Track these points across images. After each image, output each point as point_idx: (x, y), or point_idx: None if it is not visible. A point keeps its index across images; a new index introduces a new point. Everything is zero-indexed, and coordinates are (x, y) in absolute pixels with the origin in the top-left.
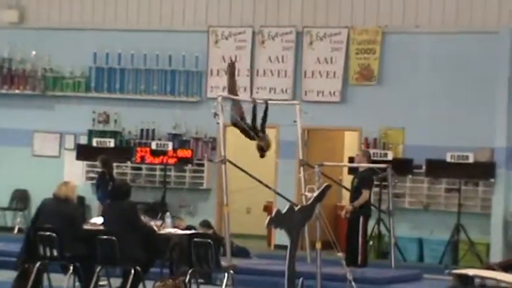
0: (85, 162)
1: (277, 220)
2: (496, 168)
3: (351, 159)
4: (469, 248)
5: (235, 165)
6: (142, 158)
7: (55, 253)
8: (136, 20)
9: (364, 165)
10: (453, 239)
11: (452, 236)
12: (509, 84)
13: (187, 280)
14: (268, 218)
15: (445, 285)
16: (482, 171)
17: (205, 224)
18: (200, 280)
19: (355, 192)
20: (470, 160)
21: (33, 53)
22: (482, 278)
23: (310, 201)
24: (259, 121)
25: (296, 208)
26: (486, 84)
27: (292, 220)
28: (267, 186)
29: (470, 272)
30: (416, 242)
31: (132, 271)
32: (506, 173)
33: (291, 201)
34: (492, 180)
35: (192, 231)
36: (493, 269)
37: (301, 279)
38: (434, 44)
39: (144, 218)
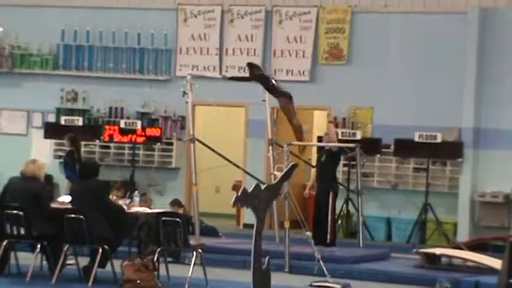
0: (53, 141)
1: (244, 198)
2: (464, 148)
3: (320, 139)
4: (437, 227)
5: (204, 144)
6: (111, 137)
7: (22, 232)
8: None
9: (332, 144)
10: (421, 218)
11: (420, 215)
12: (477, 64)
13: (155, 259)
14: (235, 196)
15: (412, 264)
16: (450, 151)
17: (176, 202)
18: (169, 259)
19: (321, 168)
20: (438, 140)
21: (0, 29)
22: (449, 257)
23: (276, 180)
24: None
25: (263, 187)
26: (454, 64)
27: (258, 198)
28: (236, 165)
29: (438, 251)
30: (384, 221)
31: (100, 250)
32: (473, 152)
33: (260, 180)
34: (460, 160)
35: (161, 210)
36: (460, 248)
37: (267, 258)
38: (403, 23)
39: (112, 197)
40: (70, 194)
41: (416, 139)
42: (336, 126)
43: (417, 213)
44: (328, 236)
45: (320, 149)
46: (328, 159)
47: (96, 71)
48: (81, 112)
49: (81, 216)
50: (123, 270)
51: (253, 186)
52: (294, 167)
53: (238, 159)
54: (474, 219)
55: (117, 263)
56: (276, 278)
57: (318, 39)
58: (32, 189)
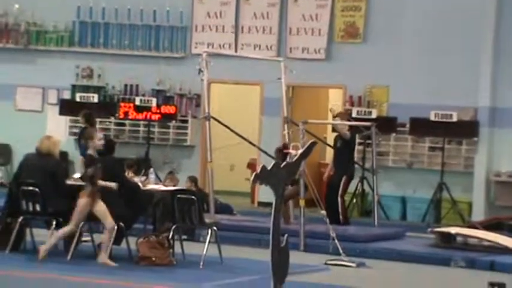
0: (68, 118)
1: (263, 176)
2: (479, 127)
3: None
4: (452, 206)
5: (219, 121)
6: (126, 114)
7: (38, 208)
8: None
9: (347, 123)
10: (436, 198)
11: (435, 194)
12: (493, 43)
13: (170, 236)
14: (254, 174)
15: (427, 243)
16: (465, 130)
17: (193, 179)
18: (183, 236)
19: (339, 153)
20: (454, 119)
21: (16, 6)
22: (465, 236)
23: (295, 158)
24: None
25: (281, 165)
26: (471, 42)
27: (277, 176)
28: (251, 143)
29: (453, 230)
30: (399, 200)
31: (115, 227)
32: (489, 132)
33: (275, 158)
34: (475, 139)
35: (176, 188)
36: (475, 228)
37: (285, 235)
38: (419, 1)
39: (128, 174)
40: None
41: (432, 118)
42: (352, 104)
43: (432, 193)
44: (341, 217)
45: (335, 131)
46: (344, 145)
47: (111, 48)
48: (97, 89)
49: None
50: (138, 248)
51: (272, 164)
52: (313, 144)
53: (253, 137)
54: (489, 199)
55: (132, 240)
56: (291, 257)
57: (334, 17)
58: (47, 165)
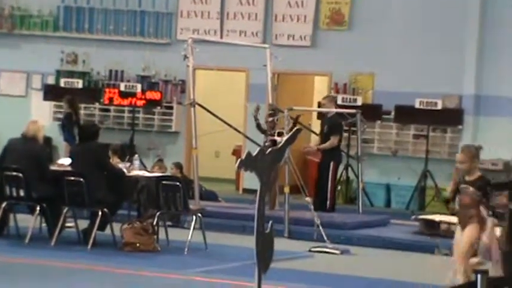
0: (52, 103)
1: (247, 162)
2: (464, 115)
3: (319, 105)
4: (436, 194)
5: (204, 108)
6: (111, 100)
7: (22, 193)
8: None
9: (333, 110)
10: (420, 185)
11: (420, 181)
12: (479, 32)
13: (155, 223)
14: (239, 160)
15: (411, 230)
16: (450, 118)
17: (179, 166)
18: (168, 223)
19: (325, 139)
20: (439, 107)
21: None
22: (448, 223)
23: (280, 145)
24: None
25: (267, 151)
26: (456, 31)
27: (262, 163)
28: (236, 130)
29: (437, 217)
30: (384, 187)
31: (100, 213)
32: (473, 119)
33: (260, 145)
34: (460, 127)
35: (161, 174)
36: None
37: (270, 222)
38: None
39: (112, 160)
40: (70, 157)
41: (417, 106)
42: (337, 91)
43: (417, 180)
44: (328, 202)
45: (322, 117)
46: (330, 130)
47: (96, 33)
48: (81, 74)
49: (81, 179)
50: (123, 234)
51: (257, 150)
52: (297, 131)
53: (238, 124)
54: None
55: (116, 226)
56: (275, 243)
57: (320, 4)
58: (31, 150)
